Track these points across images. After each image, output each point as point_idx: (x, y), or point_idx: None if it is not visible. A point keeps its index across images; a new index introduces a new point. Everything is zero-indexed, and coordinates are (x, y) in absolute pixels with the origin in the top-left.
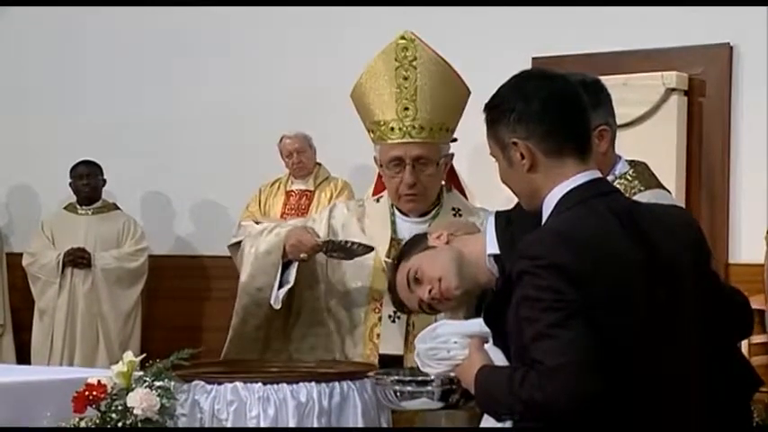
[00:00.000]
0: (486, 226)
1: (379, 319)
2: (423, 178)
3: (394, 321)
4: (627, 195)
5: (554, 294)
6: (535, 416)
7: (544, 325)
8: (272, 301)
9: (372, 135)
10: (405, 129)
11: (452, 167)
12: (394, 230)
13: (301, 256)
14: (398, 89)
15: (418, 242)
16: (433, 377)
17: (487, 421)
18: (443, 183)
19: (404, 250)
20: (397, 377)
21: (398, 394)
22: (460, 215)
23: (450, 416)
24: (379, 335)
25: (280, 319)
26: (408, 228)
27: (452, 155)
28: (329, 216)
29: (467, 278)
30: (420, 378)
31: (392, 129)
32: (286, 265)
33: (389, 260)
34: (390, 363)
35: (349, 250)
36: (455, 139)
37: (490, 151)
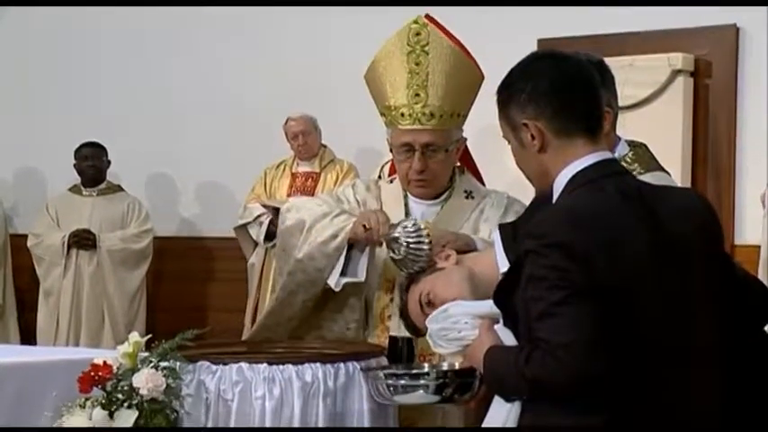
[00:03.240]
0: (494, 241)
1: (391, 300)
2: (432, 165)
3: None
4: None
5: (558, 273)
6: (540, 394)
7: (548, 303)
8: (331, 283)
9: (384, 119)
10: (415, 115)
11: (467, 149)
12: (407, 212)
13: (359, 233)
14: (410, 74)
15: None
16: (426, 370)
17: (497, 402)
18: (457, 165)
19: (412, 274)
20: (389, 371)
21: (391, 388)
22: (472, 197)
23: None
24: (390, 316)
25: (324, 296)
26: (421, 210)
27: (465, 139)
28: (354, 192)
29: (482, 297)
30: (413, 371)
31: (402, 114)
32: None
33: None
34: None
35: (409, 259)
36: None
37: (502, 134)
